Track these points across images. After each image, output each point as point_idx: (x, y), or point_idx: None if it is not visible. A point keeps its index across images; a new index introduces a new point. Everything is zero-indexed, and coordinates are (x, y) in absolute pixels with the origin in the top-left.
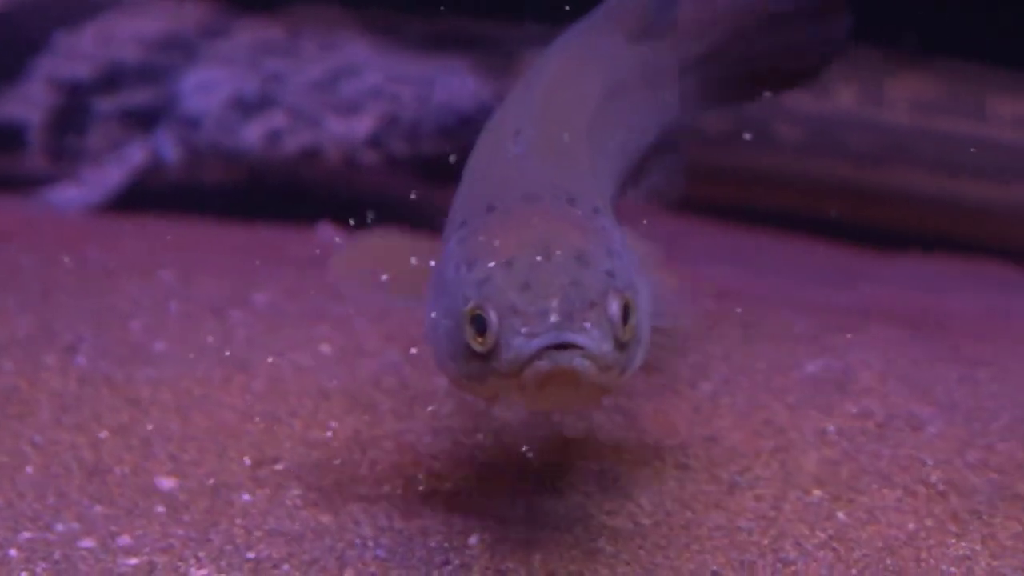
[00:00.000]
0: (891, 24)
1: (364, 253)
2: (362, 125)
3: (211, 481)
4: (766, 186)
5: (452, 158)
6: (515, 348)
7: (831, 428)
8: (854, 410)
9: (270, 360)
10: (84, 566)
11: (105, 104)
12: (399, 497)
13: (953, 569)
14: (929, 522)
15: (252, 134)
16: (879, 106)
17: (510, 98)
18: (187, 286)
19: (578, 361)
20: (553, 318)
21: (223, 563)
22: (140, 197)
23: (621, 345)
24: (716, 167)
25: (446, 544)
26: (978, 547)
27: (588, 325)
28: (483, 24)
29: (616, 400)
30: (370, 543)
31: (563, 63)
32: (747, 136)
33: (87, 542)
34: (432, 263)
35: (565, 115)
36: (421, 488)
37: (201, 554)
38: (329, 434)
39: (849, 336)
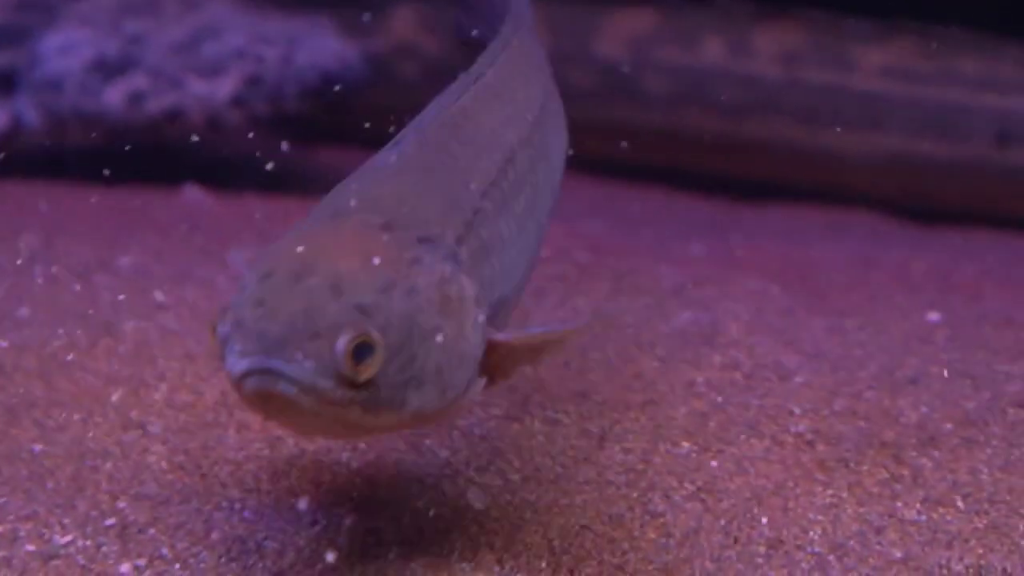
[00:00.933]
0: None
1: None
2: (224, 86)
3: (76, 447)
4: (636, 139)
5: None
6: (228, 364)
7: (700, 380)
8: (722, 361)
9: (135, 324)
10: None
11: None
12: (266, 459)
13: (820, 517)
14: (797, 471)
15: (114, 96)
16: (747, 58)
17: (432, 102)
18: (50, 250)
19: (283, 387)
20: (265, 342)
21: (88, 529)
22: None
23: (351, 383)
24: (586, 121)
25: (314, 505)
26: (845, 494)
27: (300, 355)
28: None
29: None
30: (237, 505)
31: (500, 67)
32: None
33: None
34: None
35: (469, 129)
36: (288, 450)
37: (66, 520)
38: (195, 397)
39: (717, 288)
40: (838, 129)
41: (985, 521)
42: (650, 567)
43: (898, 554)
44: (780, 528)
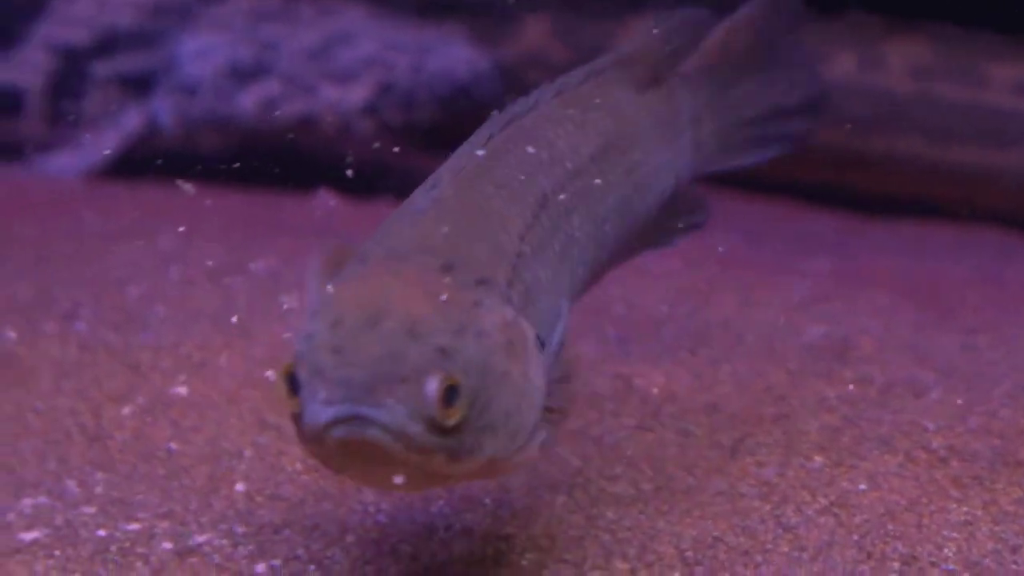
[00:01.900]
0: None
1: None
2: (356, 93)
3: (211, 447)
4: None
5: None
6: (310, 414)
7: (832, 395)
8: (854, 376)
9: (268, 327)
10: (85, 532)
11: (102, 69)
12: None
13: (955, 534)
14: (930, 488)
15: (247, 101)
16: (877, 72)
17: (473, 136)
18: (185, 252)
19: (373, 433)
20: (351, 389)
21: (224, 528)
22: (136, 163)
23: (440, 428)
24: None
25: (448, 510)
26: (979, 512)
27: (391, 401)
28: None
29: (615, 368)
30: (371, 508)
31: (547, 108)
32: None
33: (88, 508)
34: None
35: (511, 169)
36: None
37: (203, 519)
38: None
39: (845, 304)
40: (969, 145)
41: None
42: None
43: None
44: (914, 544)
